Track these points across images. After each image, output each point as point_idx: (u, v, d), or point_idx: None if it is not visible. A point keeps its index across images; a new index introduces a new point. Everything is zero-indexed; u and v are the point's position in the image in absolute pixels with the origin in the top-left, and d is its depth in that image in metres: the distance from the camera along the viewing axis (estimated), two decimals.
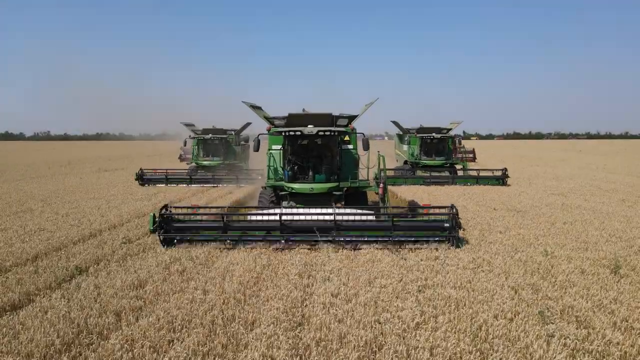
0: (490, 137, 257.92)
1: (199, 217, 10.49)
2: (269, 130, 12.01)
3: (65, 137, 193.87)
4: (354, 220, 9.86)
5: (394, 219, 9.63)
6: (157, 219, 9.51)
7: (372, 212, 10.69)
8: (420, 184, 22.15)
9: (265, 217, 9.96)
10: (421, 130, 24.93)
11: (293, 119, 11.89)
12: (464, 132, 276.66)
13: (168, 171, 23.26)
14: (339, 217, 9.63)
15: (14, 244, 10.05)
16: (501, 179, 22.13)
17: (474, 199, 17.04)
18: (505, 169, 22.42)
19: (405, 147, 26.26)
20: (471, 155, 38.68)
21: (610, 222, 12.53)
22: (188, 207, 11.06)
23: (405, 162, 26.04)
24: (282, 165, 12.28)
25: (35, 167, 37.92)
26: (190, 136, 25.69)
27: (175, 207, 10.73)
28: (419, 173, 23.93)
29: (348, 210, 10.25)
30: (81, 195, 18.73)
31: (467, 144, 43.07)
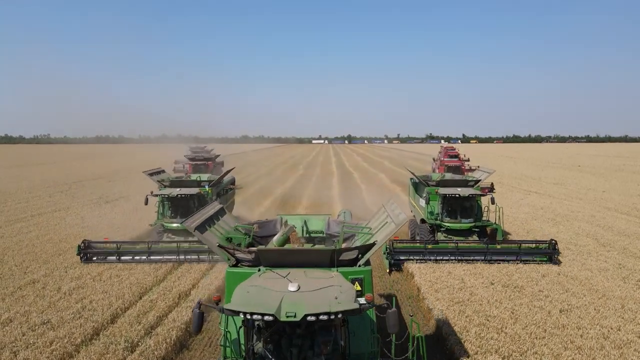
0: (489, 140, 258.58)
1: None
2: (217, 301, 6.77)
3: (65, 140, 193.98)
4: None
5: None
6: None
7: None
8: (442, 260, 17.38)
9: None
10: (442, 183, 20.34)
11: (267, 257, 7.51)
12: (463, 135, 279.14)
13: (120, 245, 17.54)
14: None
15: (19, 351, 10.25)
16: (550, 255, 17.43)
17: (470, 266, 17.10)
18: (554, 241, 17.61)
19: (422, 202, 20.99)
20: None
21: (606, 311, 12.72)
22: None
23: (423, 221, 20.58)
24: (245, 348, 6.92)
25: (35, 193, 38.11)
26: (152, 192, 19.98)
27: None
28: (440, 237, 19.23)
29: None
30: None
31: (466, 149, 42.27)
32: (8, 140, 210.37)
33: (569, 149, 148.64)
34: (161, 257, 17.34)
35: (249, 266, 7.81)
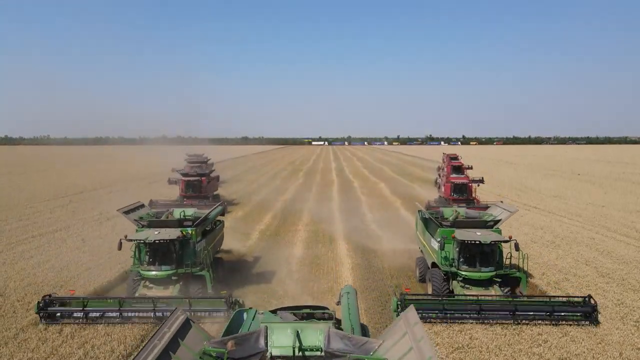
0: (489, 141, 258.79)
1: None
2: None
3: (65, 142, 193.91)
4: None
5: None
6: None
7: None
8: (460, 320, 15.31)
9: None
10: (458, 224, 18.34)
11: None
12: (463, 137, 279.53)
13: (87, 302, 15.46)
14: None
15: None
16: (588, 314, 15.26)
17: None
18: (590, 297, 15.48)
19: (435, 244, 18.36)
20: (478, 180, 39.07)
21: (604, 355, 12.83)
22: None
23: (435, 265, 18.42)
24: None
25: (36, 207, 38.23)
26: (126, 236, 16.78)
27: None
28: (457, 289, 16.91)
29: None
30: (81, 290, 18.77)
31: (466, 152, 42.37)
32: (8, 141, 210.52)
33: (569, 152, 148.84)
34: (135, 315, 15.42)
35: None
